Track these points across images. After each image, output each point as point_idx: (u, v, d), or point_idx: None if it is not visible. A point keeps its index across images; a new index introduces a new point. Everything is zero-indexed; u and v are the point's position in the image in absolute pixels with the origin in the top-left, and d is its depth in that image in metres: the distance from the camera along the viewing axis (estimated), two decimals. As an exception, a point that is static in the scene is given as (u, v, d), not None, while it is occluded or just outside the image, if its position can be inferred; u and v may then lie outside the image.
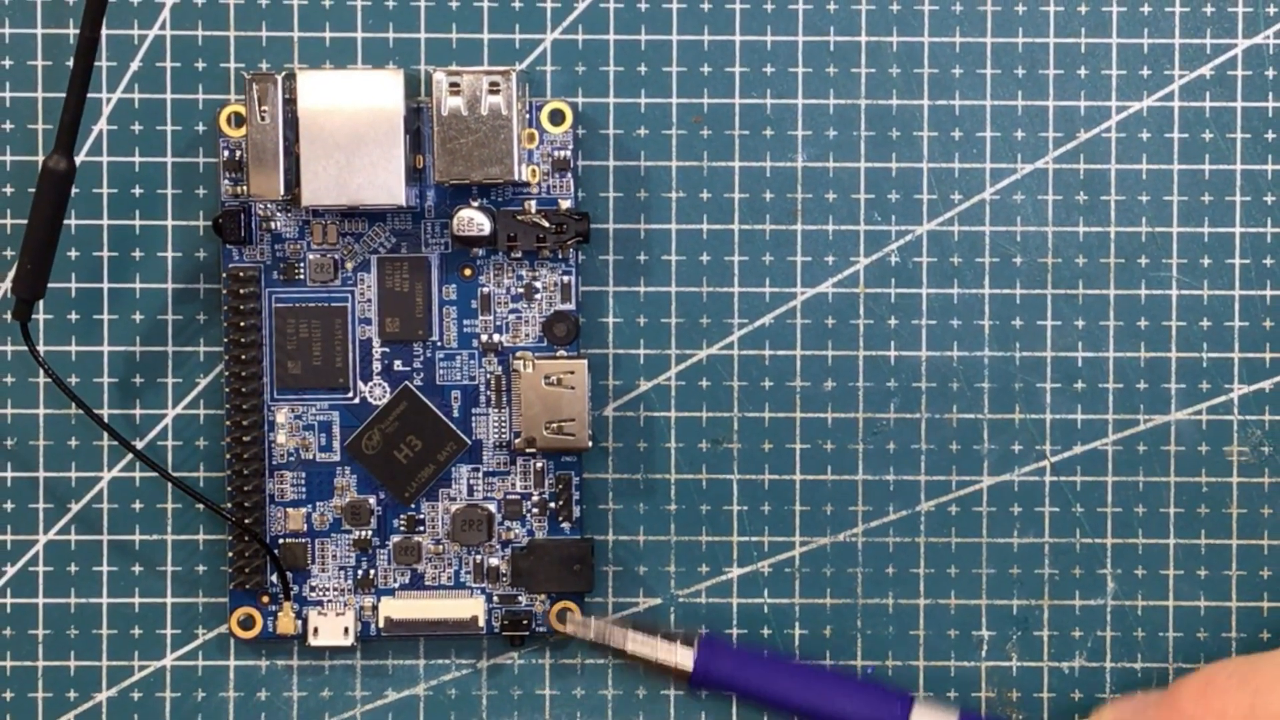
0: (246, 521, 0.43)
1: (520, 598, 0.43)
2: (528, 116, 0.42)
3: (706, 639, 0.42)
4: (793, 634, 0.44)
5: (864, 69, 0.43)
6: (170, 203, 0.43)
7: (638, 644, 0.42)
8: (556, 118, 0.43)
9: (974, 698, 0.44)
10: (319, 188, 0.41)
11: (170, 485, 0.43)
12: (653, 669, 0.42)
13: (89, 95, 0.42)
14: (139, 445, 0.43)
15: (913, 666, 0.43)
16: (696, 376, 0.43)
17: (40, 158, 0.43)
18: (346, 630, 0.43)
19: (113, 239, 0.43)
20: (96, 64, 0.42)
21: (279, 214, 0.43)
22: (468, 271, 0.43)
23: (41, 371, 0.43)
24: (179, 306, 0.43)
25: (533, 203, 0.43)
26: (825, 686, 0.41)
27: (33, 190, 0.41)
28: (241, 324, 0.42)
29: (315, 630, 0.43)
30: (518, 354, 0.43)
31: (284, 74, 0.41)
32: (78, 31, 0.41)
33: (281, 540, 0.43)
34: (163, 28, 0.43)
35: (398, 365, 0.43)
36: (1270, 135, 0.42)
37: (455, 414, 0.43)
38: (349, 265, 0.43)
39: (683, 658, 0.41)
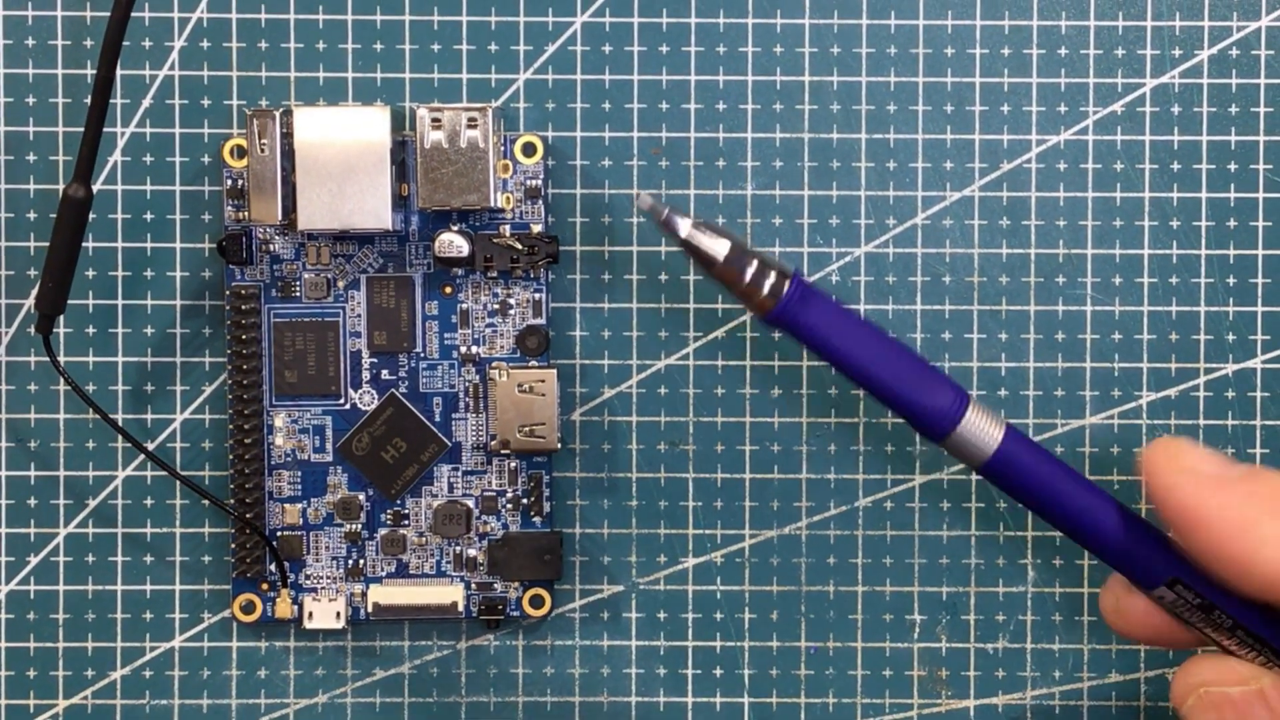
0: (248, 516, 0.43)
1: (496, 585, 0.43)
2: (502, 149, 0.43)
3: (798, 280, 0.35)
4: (743, 618, 0.44)
5: (807, 106, 0.43)
6: (178, 227, 0.43)
7: (732, 258, 0.35)
8: (529, 150, 0.43)
9: (907, 675, 0.44)
10: (313, 213, 0.41)
11: (178, 483, 0.44)
12: (737, 289, 0.35)
13: (105, 130, 0.42)
14: (150, 447, 0.44)
15: (851, 647, 0.44)
16: (655, 385, 0.44)
17: (61, 186, 0.43)
18: (338, 614, 0.43)
19: (126, 260, 0.43)
20: (112, 101, 0.43)
21: (277, 237, 0.43)
22: (448, 289, 0.43)
23: (62, 380, 0.43)
24: (186, 321, 0.44)
25: (507, 227, 0.43)
26: (895, 361, 0.36)
27: (54, 215, 0.42)
28: (243, 337, 0.43)
29: (310, 614, 0.43)
30: (493, 364, 0.43)
31: (281, 110, 0.41)
32: (95, 72, 0.41)
33: (279, 533, 0.43)
34: (171, 68, 0.43)
35: (385, 374, 0.43)
36: (1175, 166, 0.43)
37: (437, 418, 0.43)
38: (340, 284, 0.43)
39: (773, 288, 0.35)
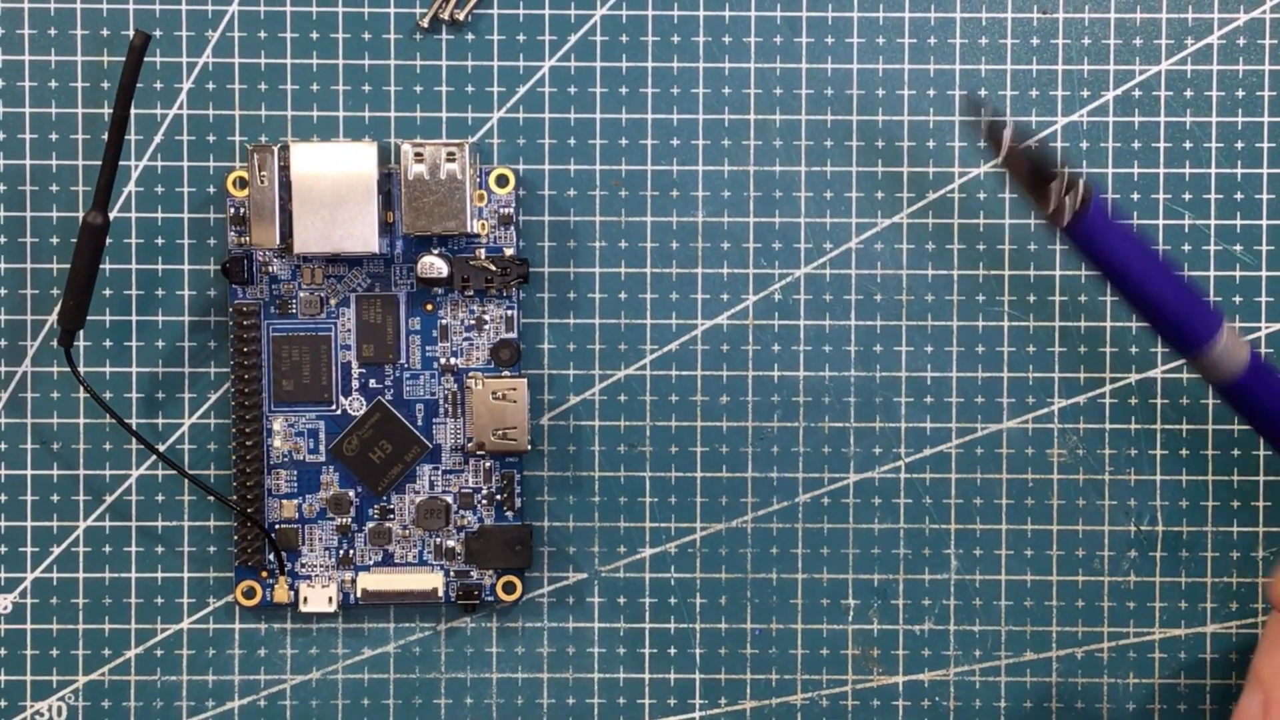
0: (249, 511, 0.44)
1: (472, 573, 0.44)
2: (478, 180, 0.43)
3: (1098, 202, 0.37)
4: (694, 602, 0.44)
5: (752, 141, 0.44)
6: (186, 251, 0.44)
7: (1041, 179, 0.37)
8: (502, 181, 0.43)
9: (842, 654, 0.44)
10: (308, 238, 0.42)
11: (186, 481, 0.44)
12: (1039, 198, 0.37)
13: (120, 163, 0.43)
14: (161, 448, 0.44)
15: (792, 629, 0.44)
16: (616, 392, 0.44)
17: (81, 214, 0.44)
18: (330, 599, 0.44)
19: (140, 280, 0.44)
20: (126, 138, 0.43)
21: (275, 260, 0.43)
22: (429, 306, 0.44)
23: (81, 388, 0.44)
24: (194, 335, 0.44)
25: (482, 250, 0.43)
26: (1165, 283, 0.38)
27: (75, 240, 0.42)
28: (245, 349, 0.43)
29: (305, 599, 0.44)
30: (470, 374, 0.43)
31: (279, 145, 0.42)
32: (111, 111, 0.42)
33: (277, 526, 0.44)
34: (180, 108, 0.44)
35: (372, 383, 0.44)
36: None
37: (419, 423, 0.44)
38: (332, 301, 0.44)
39: (1070, 206, 0.37)
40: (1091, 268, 0.39)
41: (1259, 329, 0.44)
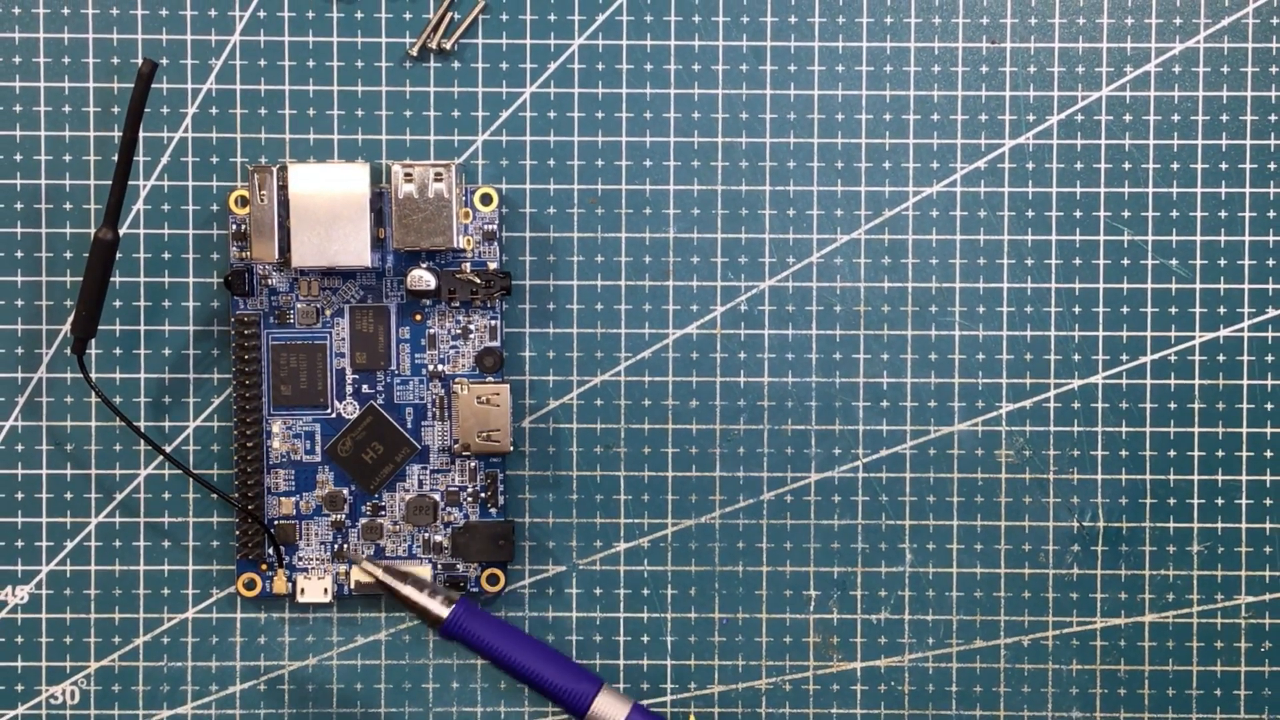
0: (250, 507, 0.44)
1: (458, 566, 0.45)
2: (464, 199, 0.44)
3: (463, 601, 0.42)
4: (666, 593, 0.45)
5: (720, 162, 0.45)
6: (191, 265, 0.44)
7: (409, 592, 0.42)
8: (486, 200, 0.44)
9: (804, 642, 0.45)
10: (305, 253, 0.42)
11: (191, 480, 0.45)
12: (417, 612, 0.42)
13: (129, 183, 0.43)
14: (167, 449, 0.45)
15: (757, 618, 0.45)
16: (593, 397, 0.45)
17: (92, 230, 0.44)
18: (326, 590, 0.44)
19: (147, 292, 0.45)
20: (135, 159, 0.44)
21: (274, 273, 0.44)
22: (418, 317, 0.44)
23: (93, 392, 0.44)
24: (198, 343, 0.45)
25: (468, 264, 0.44)
26: (538, 659, 0.42)
27: (87, 255, 0.43)
28: (246, 357, 0.44)
29: (302, 590, 0.44)
30: (456, 380, 0.44)
31: (278, 166, 0.43)
32: (121, 134, 0.42)
33: (276, 522, 0.44)
34: (185, 131, 0.44)
35: (365, 388, 0.44)
36: (1030, 213, 0.45)
37: (409, 425, 0.44)
38: (328, 312, 0.44)
39: (439, 610, 0.42)
40: (475, 653, 0.42)
41: (1193, 338, 0.45)
